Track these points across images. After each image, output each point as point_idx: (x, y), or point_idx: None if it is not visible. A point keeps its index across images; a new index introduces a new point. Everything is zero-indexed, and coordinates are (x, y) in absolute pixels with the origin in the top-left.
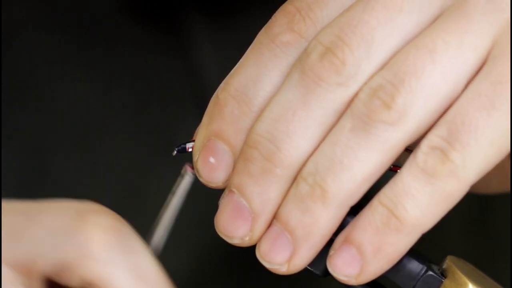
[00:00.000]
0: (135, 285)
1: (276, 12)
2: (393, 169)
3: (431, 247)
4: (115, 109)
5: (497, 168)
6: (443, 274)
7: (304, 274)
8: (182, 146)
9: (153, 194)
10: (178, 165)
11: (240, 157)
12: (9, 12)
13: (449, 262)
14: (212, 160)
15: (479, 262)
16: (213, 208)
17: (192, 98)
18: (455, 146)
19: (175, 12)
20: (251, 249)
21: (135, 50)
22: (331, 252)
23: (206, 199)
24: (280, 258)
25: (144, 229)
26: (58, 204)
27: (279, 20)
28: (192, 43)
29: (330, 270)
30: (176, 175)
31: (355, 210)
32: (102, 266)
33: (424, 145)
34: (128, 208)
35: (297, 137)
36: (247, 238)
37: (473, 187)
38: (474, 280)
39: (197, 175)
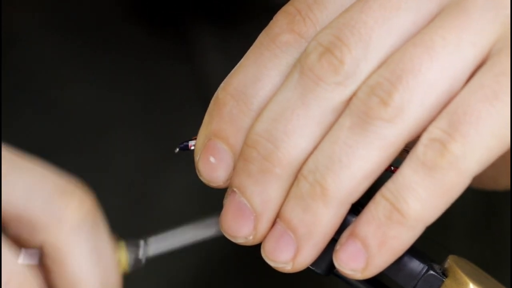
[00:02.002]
0: (90, 267)
1: (277, 13)
2: (387, 169)
3: (434, 246)
4: (121, 113)
5: (506, 163)
6: (445, 274)
7: (307, 274)
8: (185, 143)
9: (159, 197)
10: (183, 168)
11: (240, 157)
12: (13, 14)
13: (451, 262)
14: (212, 159)
15: (484, 264)
16: (218, 207)
17: (199, 103)
18: (455, 136)
19: (183, 19)
20: (256, 248)
21: (141, 55)
22: (337, 247)
23: (210, 199)
24: (284, 257)
25: (148, 230)
26: (45, 170)
27: (279, 20)
28: (198, 50)
29: (336, 264)
30: (181, 177)
31: (357, 209)
32: (69, 237)
33: (424, 137)
34: (134, 210)
35: (296, 136)
36: (251, 237)
37: (483, 183)
38: (475, 280)
39: (198, 175)
